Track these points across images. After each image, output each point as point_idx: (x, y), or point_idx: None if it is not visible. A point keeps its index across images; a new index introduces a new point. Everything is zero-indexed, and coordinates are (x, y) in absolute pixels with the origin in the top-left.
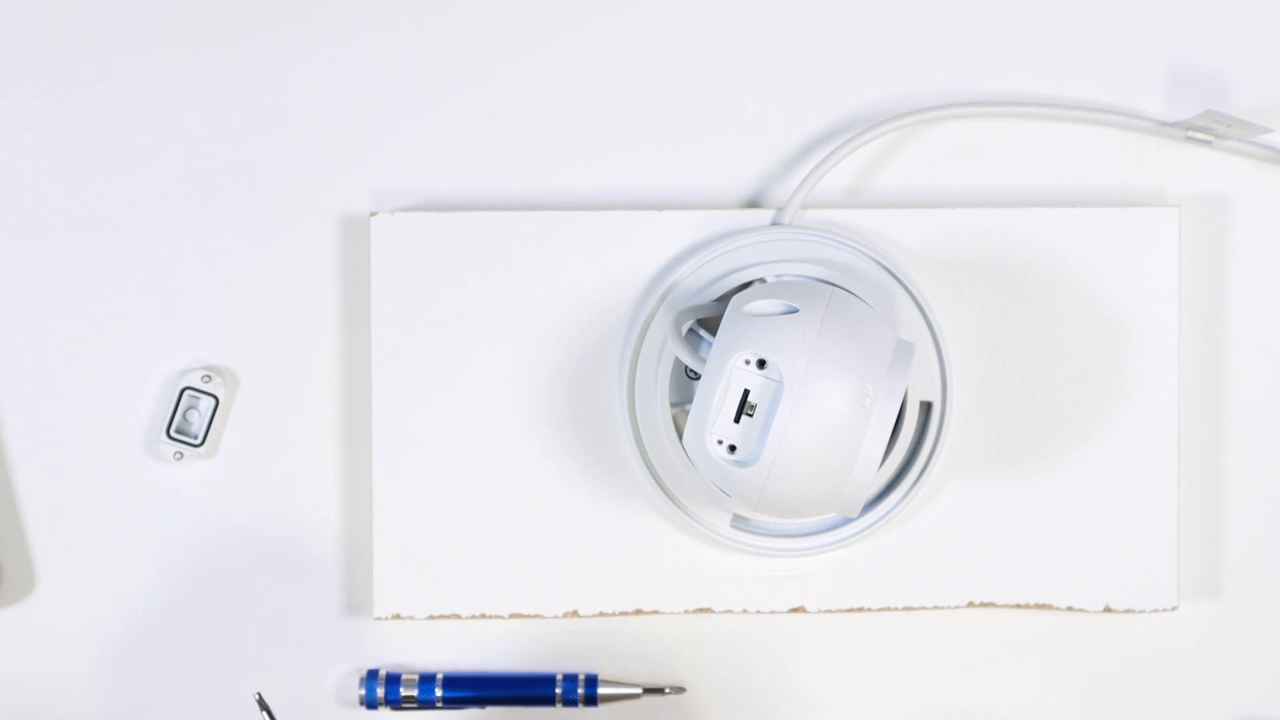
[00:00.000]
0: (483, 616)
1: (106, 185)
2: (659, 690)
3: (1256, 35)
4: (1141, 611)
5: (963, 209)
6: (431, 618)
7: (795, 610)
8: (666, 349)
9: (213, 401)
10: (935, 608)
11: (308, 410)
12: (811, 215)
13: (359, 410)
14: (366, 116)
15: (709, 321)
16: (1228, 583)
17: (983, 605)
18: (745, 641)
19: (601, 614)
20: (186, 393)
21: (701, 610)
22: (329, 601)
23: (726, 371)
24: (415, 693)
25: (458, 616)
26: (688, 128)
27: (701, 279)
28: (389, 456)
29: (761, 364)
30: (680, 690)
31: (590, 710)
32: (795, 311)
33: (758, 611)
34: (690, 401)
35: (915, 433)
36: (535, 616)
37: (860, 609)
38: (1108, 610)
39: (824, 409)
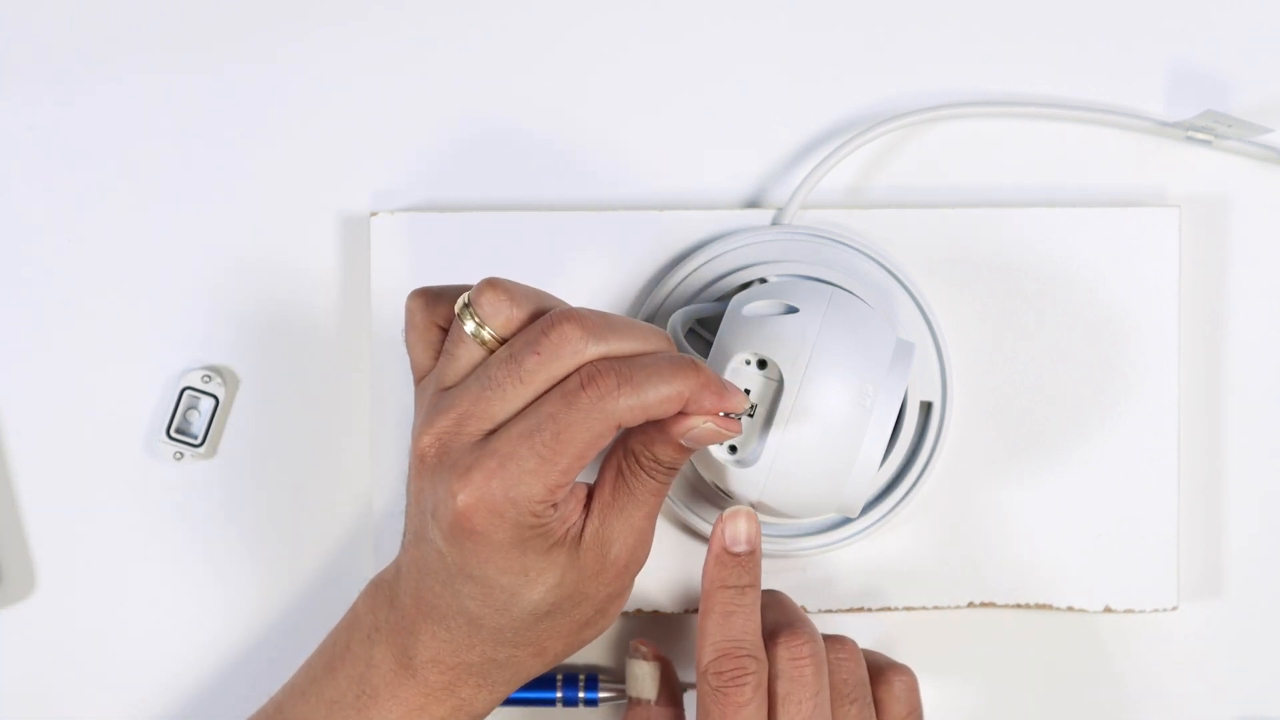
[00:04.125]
0: None
1: (106, 185)
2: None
3: (1256, 35)
4: (1141, 611)
5: (963, 209)
6: None
7: None
8: None
9: (213, 401)
10: (935, 608)
11: (308, 410)
12: (811, 215)
13: (359, 410)
14: (367, 116)
15: (709, 321)
16: (1228, 583)
17: (983, 605)
18: None
19: None
20: (186, 393)
21: None
22: (330, 602)
23: (726, 371)
24: None
25: None
26: (688, 128)
27: (701, 279)
28: (389, 456)
29: (762, 364)
30: (681, 690)
31: (590, 710)
32: (795, 311)
33: None
34: None
35: (915, 433)
36: None
37: (860, 609)
38: (1108, 610)
39: (824, 409)
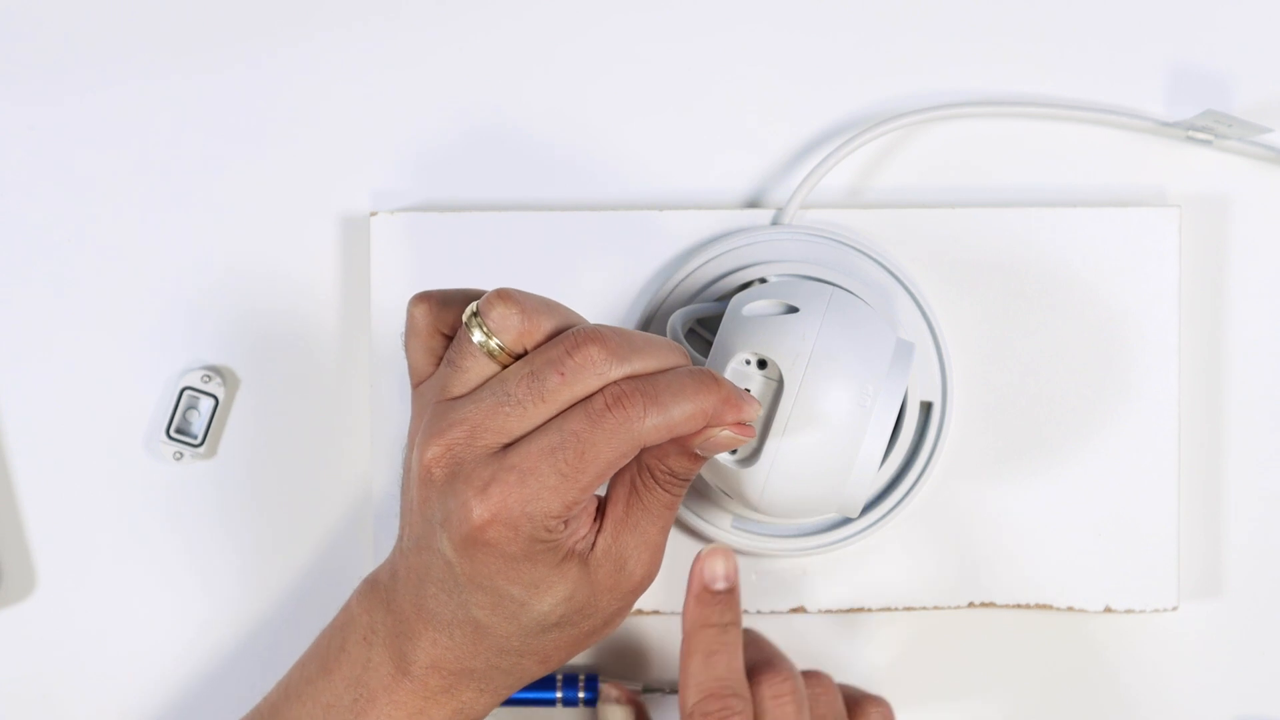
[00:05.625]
0: None
1: (107, 186)
2: (659, 690)
3: (1256, 35)
4: (1141, 611)
5: (963, 209)
6: None
7: (795, 610)
8: None
9: (213, 401)
10: (935, 608)
11: (308, 410)
12: (811, 215)
13: (359, 410)
14: (367, 116)
15: (709, 321)
16: (1228, 583)
17: (983, 605)
18: None
19: None
20: (186, 393)
21: None
22: (329, 602)
23: (727, 371)
24: None
25: None
26: (688, 128)
27: (701, 279)
28: (388, 457)
29: (762, 364)
30: None
31: (590, 710)
32: (795, 311)
33: (758, 611)
34: None
35: (915, 433)
36: None
37: (860, 609)
38: (1108, 610)
39: (824, 409)
